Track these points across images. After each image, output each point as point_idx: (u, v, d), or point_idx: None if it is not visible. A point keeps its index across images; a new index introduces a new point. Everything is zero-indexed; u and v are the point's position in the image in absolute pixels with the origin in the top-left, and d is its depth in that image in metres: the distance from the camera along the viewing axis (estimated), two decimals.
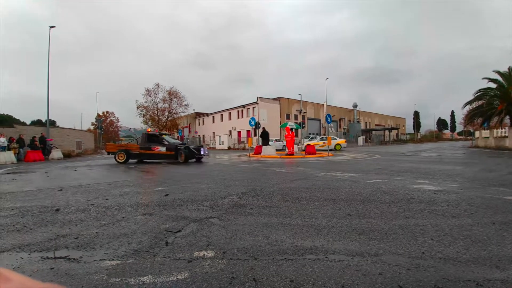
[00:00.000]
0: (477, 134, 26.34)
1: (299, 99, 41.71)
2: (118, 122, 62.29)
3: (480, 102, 26.57)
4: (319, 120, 45.79)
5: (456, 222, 2.97)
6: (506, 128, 22.09)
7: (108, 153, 13.66)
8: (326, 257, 2.14)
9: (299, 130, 36.25)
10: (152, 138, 12.85)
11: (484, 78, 25.65)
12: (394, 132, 57.49)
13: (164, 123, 43.35)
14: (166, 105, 43.49)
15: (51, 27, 19.89)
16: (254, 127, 17.80)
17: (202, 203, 4.01)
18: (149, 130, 14.42)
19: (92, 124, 50.69)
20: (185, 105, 43.78)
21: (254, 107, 37.65)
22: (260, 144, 17.09)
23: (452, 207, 3.59)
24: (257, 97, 37.10)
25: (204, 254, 2.21)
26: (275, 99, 39.67)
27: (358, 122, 51.59)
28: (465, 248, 2.28)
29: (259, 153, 16.50)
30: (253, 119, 16.57)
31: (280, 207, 3.73)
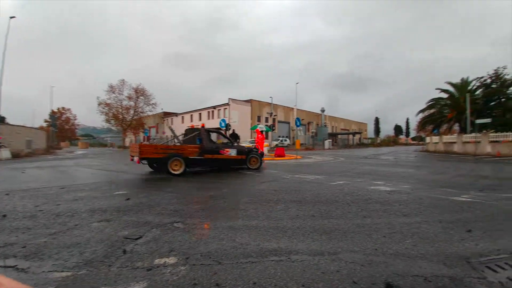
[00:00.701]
0: (428, 139, 29.23)
1: (270, 102, 42.44)
2: (75, 119, 57.28)
3: (432, 111, 29.62)
4: (289, 123, 47.01)
5: (406, 220, 3.25)
6: (455, 134, 24.76)
7: (142, 159, 7.58)
8: (289, 258, 2.20)
9: (269, 132, 36.81)
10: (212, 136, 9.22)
11: (437, 89, 28.77)
12: (357, 136, 61.21)
13: (129, 122, 41.01)
14: (132, 103, 41.23)
15: (11, 17, 18.27)
16: (224, 128, 17.67)
17: (166, 207, 3.87)
18: (193, 125, 10.85)
19: (46, 121, 45.88)
20: (152, 103, 41.93)
21: (225, 108, 37.40)
22: None
23: (403, 206, 3.93)
24: (229, 98, 36.95)
25: (165, 261, 2.13)
26: (246, 101, 39.84)
27: (325, 126, 53.93)
28: (413, 244, 2.50)
29: None
30: (223, 120, 16.45)
31: (247, 209, 3.74)
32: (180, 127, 45.30)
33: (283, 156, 16.46)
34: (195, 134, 8.73)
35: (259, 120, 40.77)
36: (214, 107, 39.30)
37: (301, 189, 5.35)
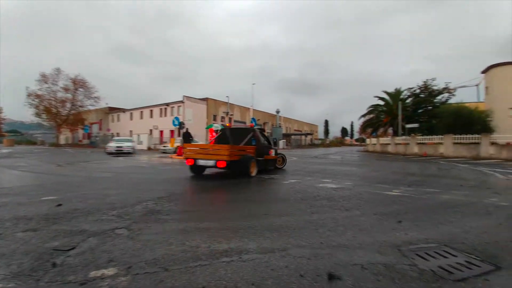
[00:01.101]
0: (368, 141, 32.80)
1: (227, 101, 42.16)
2: (0, 113, 48.23)
3: (371, 116, 33.32)
4: (245, 122, 47.40)
5: (348, 214, 3.55)
6: (390, 136, 28.22)
7: (229, 162, 6.67)
8: (240, 258, 2.19)
9: None
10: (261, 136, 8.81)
11: (375, 96, 32.40)
12: (309, 137, 65.02)
13: (65, 117, 36.27)
14: (69, 95, 36.53)
15: None
16: (178, 127, 16.91)
17: (107, 213, 3.50)
18: (229, 124, 9.60)
19: None
20: (95, 97, 37.80)
21: (179, 106, 35.81)
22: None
23: (346, 201, 4.29)
24: (183, 95, 35.47)
25: (103, 273, 1.91)
26: (202, 99, 38.82)
27: (280, 126, 55.92)
28: (353, 236, 2.73)
29: (182, 154, 15.79)
30: (176, 118, 15.72)
31: (200, 211, 3.63)
32: (129, 124, 41.86)
33: None
34: (251, 135, 8.29)
35: (215, 119, 40.16)
36: (167, 104, 37.29)
37: (255, 189, 5.43)
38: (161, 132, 37.27)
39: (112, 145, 18.83)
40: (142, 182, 6.14)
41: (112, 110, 45.65)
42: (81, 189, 5.26)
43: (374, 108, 32.84)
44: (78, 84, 36.66)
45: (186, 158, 7.07)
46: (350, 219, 3.33)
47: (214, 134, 16.06)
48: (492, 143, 17.91)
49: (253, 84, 45.42)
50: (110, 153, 18.07)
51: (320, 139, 76.92)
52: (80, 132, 39.72)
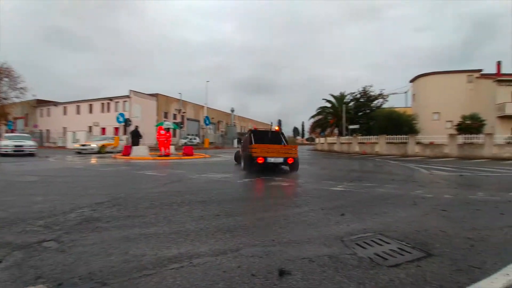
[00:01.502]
0: (317, 140, 35.25)
1: (179, 98, 40.34)
2: None
3: (320, 117, 35.84)
4: (199, 121, 46.09)
5: (298, 210, 3.72)
6: (335, 136, 30.76)
7: (263, 163, 8.00)
8: (190, 263, 2.09)
9: (177, 130, 35.01)
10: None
11: (323, 99, 34.95)
12: None
13: None
14: None
15: None
16: (123, 124, 15.51)
17: (34, 223, 3.00)
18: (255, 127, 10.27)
19: None
20: (20, 88, 32.09)
21: (125, 101, 32.88)
22: (130, 144, 15.13)
23: (297, 198, 4.50)
24: (130, 90, 32.68)
25: None
26: (152, 95, 36.36)
27: (234, 125, 55.96)
28: (302, 231, 2.87)
29: (128, 154, 14.54)
30: (121, 114, 14.36)
31: (146, 215, 3.37)
32: (61, 120, 36.74)
33: (192, 155, 15.96)
34: (282, 137, 9.46)
35: (166, 116, 38.08)
36: (110, 99, 33.86)
37: (208, 189, 5.30)
38: (103, 129, 33.77)
39: (8, 144, 14.64)
40: (78, 187, 5.44)
41: (41, 103, 39.44)
42: (1, 195, 4.40)
43: (322, 110, 35.45)
44: (3, 73, 30.62)
45: (257, 157, 7.90)
46: (300, 215, 3.49)
47: (162, 132, 15.14)
48: (418, 143, 20.98)
49: (207, 81, 44.54)
50: (5, 155, 14.13)
51: None
52: (4, 129, 33.22)
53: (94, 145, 18.52)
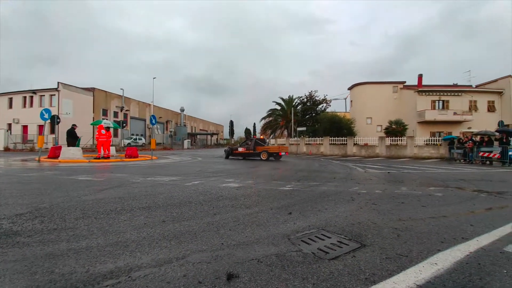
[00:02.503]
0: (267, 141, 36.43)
1: (121, 95, 36.87)
2: None
3: (270, 118, 37.14)
4: (145, 120, 42.93)
5: (248, 211, 3.75)
6: (285, 138, 32.20)
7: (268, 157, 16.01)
8: (129, 277, 1.90)
9: (119, 129, 32.01)
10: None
11: (273, 101, 36.37)
12: (215, 137, 65.58)
13: None
14: None
15: None
16: (49, 121, 13.41)
17: None
18: (256, 136, 19.52)
19: None
20: None
21: (52, 95, 28.56)
22: (67, 145, 13.23)
23: (247, 199, 4.53)
24: (58, 82, 28.48)
25: None
26: (87, 89, 32.38)
27: (184, 125, 53.78)
28: (251, 232, 2.89)
29: (56, 156, 12.66)
30: (47, 110, 12.33)
31: (76, 227, 2.95)
32: None
33: (136, 156, 14.76)
34: (264, 142, 17.53)
35: (105, 114, 34.43)
36: (34, 92, 28.97)
37: (153, 193, 4.94)
38: (25, 127, 28.79)
39: None
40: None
41: None
42: None
43: (273, 112, 36.87)
44: None
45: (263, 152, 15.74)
46: (250, 216, 3.52)
47: (103, 132, 13.62)
48: (355, 144, 23.46)
49: (154, 78, 41.70)
50: None
51: (225, 139, 79.01)
52: None
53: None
